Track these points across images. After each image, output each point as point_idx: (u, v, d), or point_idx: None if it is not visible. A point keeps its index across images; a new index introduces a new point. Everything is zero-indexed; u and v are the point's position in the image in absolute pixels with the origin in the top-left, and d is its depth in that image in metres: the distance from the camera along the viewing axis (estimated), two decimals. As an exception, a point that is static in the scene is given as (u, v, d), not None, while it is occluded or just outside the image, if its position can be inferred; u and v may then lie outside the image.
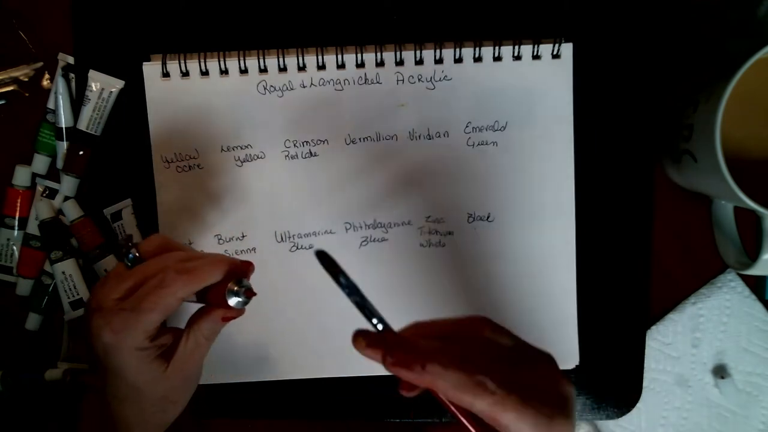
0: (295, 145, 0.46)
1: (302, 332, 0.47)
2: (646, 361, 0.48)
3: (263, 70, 0.45)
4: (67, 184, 0.47)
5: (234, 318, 0.36)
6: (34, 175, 0.48)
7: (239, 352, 0.47)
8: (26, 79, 0.48)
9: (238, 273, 0.36)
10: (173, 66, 0.45)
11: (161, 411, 0.37)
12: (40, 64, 0.48)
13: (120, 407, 0.35)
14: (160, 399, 0.36)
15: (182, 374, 0.36)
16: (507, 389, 0.27)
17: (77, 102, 0.47)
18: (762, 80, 0.42)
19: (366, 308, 0.29)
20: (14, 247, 0.48)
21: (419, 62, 0.45)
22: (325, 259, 0.28)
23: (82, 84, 0.46)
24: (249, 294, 0.35)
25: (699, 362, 0.49)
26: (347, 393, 0.48)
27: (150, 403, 0.36)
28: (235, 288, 0.35)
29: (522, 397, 0.27)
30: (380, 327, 0.29)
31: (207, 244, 0.46)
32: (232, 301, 0.35)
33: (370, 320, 0.29)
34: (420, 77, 0.45)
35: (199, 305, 0.38)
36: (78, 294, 0.47)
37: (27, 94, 0.48)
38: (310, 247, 0.47)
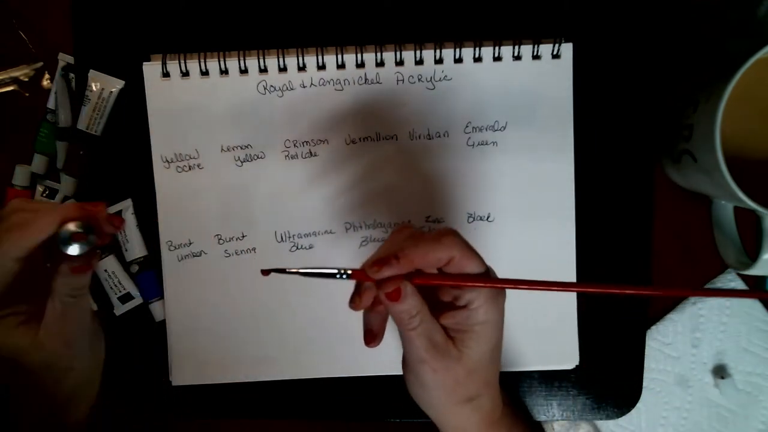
0: (295, 145, 0.46)
1: (302, 332, 0.47)
2: (646, 361, 0.48)
3: (263, 70, 0.45)
4: (67, 184, 0.47)
5: (86, 269, 0.34)
6: (34, 175, 0.48)
7: (239, 352, 0.47)
8: (26, 79, 0.48)
9: (79, 218, 0.33)
10: (173, 66, 0.45)
11: (56, 380, 0.36)
12: (40, 64, 0.48)
13: (18, 392, 0.35)
14: (45, 367, 0.35)
15: (61, 338, 0.36)
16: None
17: (77, 102, 0.47)
18: (762, 80, 0.42)
19: (333, 274, 0.32)
20: (14, 247, 0.48)
21: (419, 62, 0.45)
22: (283, 271, 0.32)
23: (82, 84, 0.46)
24: (78, 237, 0.31)
25: (699, 362, 0.49)
26: (347, 393, 0.48)
27: (36, 372, 0.35)
28: (62, 233, 0.31)
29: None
30: (349, 272, 0.32)
31: (207, 244, 0.46)
32: (69, 249, 0.32)
33: (341, 276, 0.32)
34: (420, 77, 0.45)
35: None
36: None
37: (27, 94, 0.48)
38: (310, 247, 0.47)
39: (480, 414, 0.37)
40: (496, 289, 0.34)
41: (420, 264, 0.32)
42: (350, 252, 0.47)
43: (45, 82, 0.48)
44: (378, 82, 0.45)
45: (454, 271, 0.33)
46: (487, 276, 0.33)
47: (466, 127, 0.46)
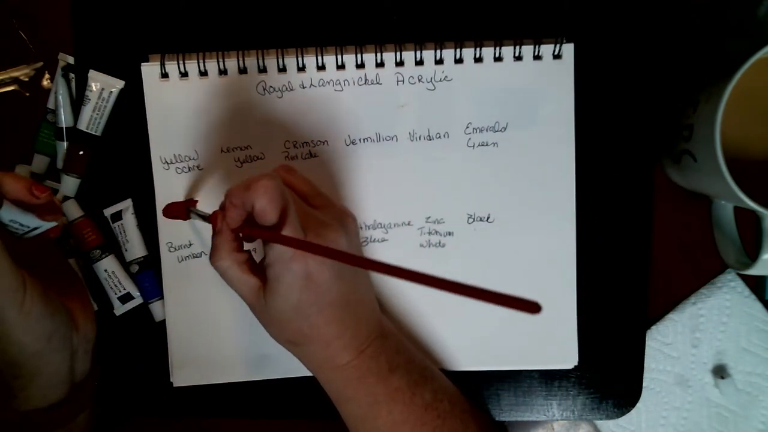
0: (294, 146, 0.46)
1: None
2: (646, 361, 0.48)
3: (262, 71, 0.45)
4: (67, 184, 0.47)
5: None
6: (34, 175, 0.48)
7: (239, 352, 0.47)
8: (26, 79, 0.48)
9: None
10: (172, 66, 0.45)
11: None
12: (40, 64, 0.48)
13: None
14: None
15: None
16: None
17: (77, 102, 0.47)
18: (762, 80, 0.42)
19: (206, 217, 0.41)
20: (14, 248, 0.48)
21: (419, 63, 0.45)
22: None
23: (82, 84, 0.46)
24: None
25: (699, 362, 0.49)
26: (347, 393, 0.48)
27: None
28: None
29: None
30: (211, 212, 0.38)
31: (207, 244, 0.46)
32: None
33: (207, 220, 0.40)
34: (420, 78, 0.45)
35: None
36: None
37: (27, 94, 0.48)
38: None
39: (315, 359, 0.39)
40: (290, 254, 0.35)
41: (237, 204, 0.34)
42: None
43: (45, 82, 0.48)
44: (378, 83, 0.45)
45: (257, 220, 0.34)
46: (278, 234, 0.34)
47: (467, 127, 0.46)
